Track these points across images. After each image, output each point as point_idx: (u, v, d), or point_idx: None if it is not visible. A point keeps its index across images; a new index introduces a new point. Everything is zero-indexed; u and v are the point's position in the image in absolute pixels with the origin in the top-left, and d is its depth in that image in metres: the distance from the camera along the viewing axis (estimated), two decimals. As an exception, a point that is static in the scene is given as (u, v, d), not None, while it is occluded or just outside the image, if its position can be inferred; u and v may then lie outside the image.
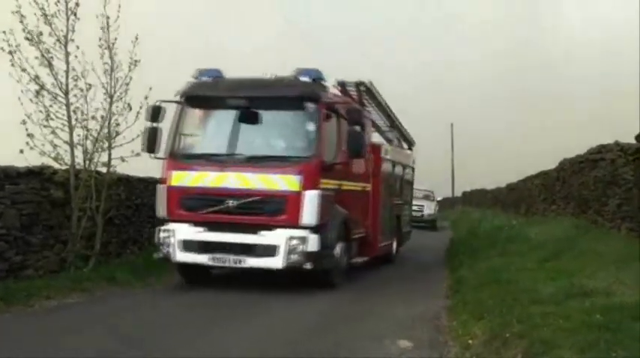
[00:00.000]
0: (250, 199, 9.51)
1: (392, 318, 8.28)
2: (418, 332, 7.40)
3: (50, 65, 10.69)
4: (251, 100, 10.15)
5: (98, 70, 11.18)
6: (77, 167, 10.90)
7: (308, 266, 9.26)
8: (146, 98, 11.44)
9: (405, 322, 8.01)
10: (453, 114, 70.05)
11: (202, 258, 9.73)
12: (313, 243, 9.33)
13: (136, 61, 11.34)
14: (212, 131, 10.95)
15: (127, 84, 11.35)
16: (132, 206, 13.43)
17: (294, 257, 9.27)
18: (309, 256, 9.26)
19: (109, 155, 11.34)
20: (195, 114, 10.89)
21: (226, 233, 9.63)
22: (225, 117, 10.51)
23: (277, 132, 10.56)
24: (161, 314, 8.52)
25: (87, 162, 11.05)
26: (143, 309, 8.89)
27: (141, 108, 11.40)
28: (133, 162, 11.62)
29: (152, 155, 10.48)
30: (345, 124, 10.44)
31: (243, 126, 10.20)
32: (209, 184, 9.85)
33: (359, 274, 11.87)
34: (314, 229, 9.43)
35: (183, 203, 10.04)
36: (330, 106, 10.32)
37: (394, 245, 14.23)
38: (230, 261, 9.61)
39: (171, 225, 9.96)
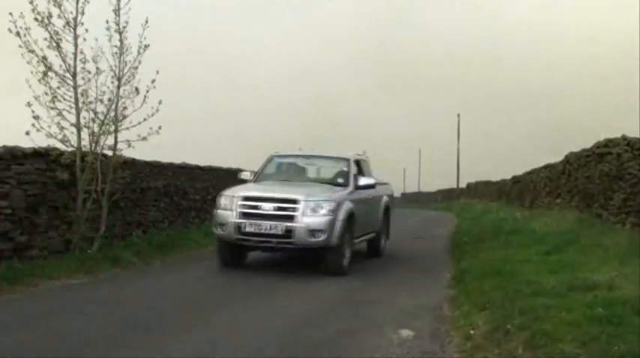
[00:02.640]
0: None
1: (394, 307, 8.30)
2: (420, 322, 7.41)
3: (59, 47, 10.71)
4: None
5: (107, 53, 11.22)
6: (83, 149, 10.92)
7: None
8: (153, 82, 11.50)
9: (407, 311, 8.03)
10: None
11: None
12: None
13: (145, 45, 11.36)
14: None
15: (136, 68, 11.37)
16: (137, 189, 13.47)
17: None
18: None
19: (115, 138, 11.37)
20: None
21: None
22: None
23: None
24: (164, 296, 8.57)
25: (93, 144, 11.08)
26: (146, 290, 8.96)
27: (148, 91, 11.44)
28: (140, 145, 11.67)
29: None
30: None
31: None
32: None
33: (364, 263, 11.98)
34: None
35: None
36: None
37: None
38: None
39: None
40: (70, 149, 10.80)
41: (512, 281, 8.20)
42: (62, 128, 10.80)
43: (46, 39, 10.63)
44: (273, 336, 6.51)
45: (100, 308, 7.53)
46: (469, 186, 58.36)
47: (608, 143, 12.64)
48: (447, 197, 64.33)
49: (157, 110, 11.46)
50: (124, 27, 11.24)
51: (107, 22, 11.25)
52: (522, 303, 6.76)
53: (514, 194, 31.38)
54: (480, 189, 49.46)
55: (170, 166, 15.61)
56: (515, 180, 31.72)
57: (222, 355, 5.79)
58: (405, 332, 6.82)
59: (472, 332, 6.56)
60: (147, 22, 11.58)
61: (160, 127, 11.51)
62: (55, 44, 10.69)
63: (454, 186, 62.13)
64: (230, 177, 19.87)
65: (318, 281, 10.05)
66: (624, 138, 11.76)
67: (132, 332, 6.43)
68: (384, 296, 9.09)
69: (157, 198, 14.68)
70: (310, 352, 5.97)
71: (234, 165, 20.73)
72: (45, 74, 10.60)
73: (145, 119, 11.37)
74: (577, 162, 16.34)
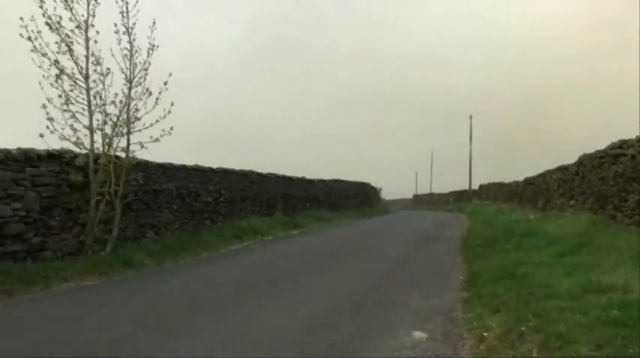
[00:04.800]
0: None
1: (407, 309, 8.26)
2: (432, 324, 7.36)
3: (70, 50, 10.77)
4: None
5: (117, 55, 11.28)
6: (96, 151, 10.97)
7: None
8: (165, 84, 11.54)
9: (420, 313, 7.99)
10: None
11: None
12: None
13: (154, 45, 11.41)
14: None
15: (146, 69, 11.42)
16: (149, 191, 13.52)
17: None
18: None
19: (128, 140, 11.42)
20: None
21: None
22: None
23: None
24: (175, 298, 8.58)
25: (106, 146, 11.13)
26: (158, 292, 8.97)
27: (160, 93, 11.48)
28: (153, 147, 11.72)
29: None
30: None
31: None
32: None
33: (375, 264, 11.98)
34: None
35: None
36: None
37: None
38: None
39: None
40: (83, 151, 10.85)
41: (525, 283, 8.13)
42: (75, 130, 10.85)
43: (57, 42, 10.69)
44: (287, 338, 6.49)
45: (112, 310, 7.54)
46: (481, 187, 58.10)
47: (623, 144, 12.52)
48: (458, 198, 64.07)
49: (169, 112, 11.50)
50: (132, 28, 11.27)
51: (115, 25, 11.31)
52: (536, 306, 6.70)
53: (526, 196, 31.20)
54: (493, 191, 49.24)
55: (183, 168, 15.66)
56: (528, 181, 31.55)
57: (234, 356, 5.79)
58: (418, 334, 6.78)
59: (485, 334, 6.51)
60: (154, 23, 11.63)
61: (171, 128, 11.54)
62: (66, 47, 10.74)
63: (466, 187, 61.85)
64: (242, 179, 19.99)
65: (332, 283, 10.04)
66: (638, 139, 11.65)
67: (141, 333, 6.43)
68: (397, 298, 9.05)
69: (169, 200, 14.73)
70: (325, 353, 5.95)
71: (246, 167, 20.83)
72: (58, 77, 10.66)
73: (157, 121, 11.40)
74: (590, 164, 16.21)
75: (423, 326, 7.25)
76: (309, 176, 27.87)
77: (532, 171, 29.56)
